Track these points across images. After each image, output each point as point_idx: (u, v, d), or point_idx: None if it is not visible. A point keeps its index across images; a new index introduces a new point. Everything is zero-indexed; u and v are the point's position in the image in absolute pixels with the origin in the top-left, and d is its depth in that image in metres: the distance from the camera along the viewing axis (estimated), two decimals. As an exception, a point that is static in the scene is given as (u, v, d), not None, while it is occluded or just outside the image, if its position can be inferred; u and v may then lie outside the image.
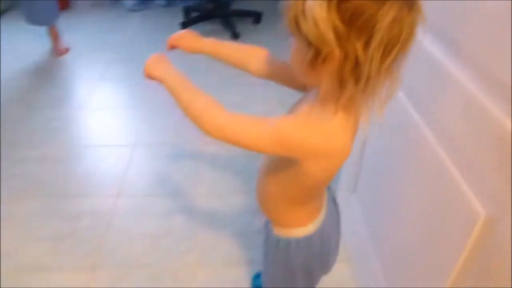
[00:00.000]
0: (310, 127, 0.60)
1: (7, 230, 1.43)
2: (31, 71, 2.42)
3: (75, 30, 2.86)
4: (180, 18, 2.96)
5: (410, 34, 0.51)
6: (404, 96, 0.90)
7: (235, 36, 2.76)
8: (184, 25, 2.81)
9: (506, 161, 0.57)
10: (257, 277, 1.27)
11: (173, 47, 0.88)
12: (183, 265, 1.32)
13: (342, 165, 0.66)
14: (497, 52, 0.59)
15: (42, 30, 2.53)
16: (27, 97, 2.17)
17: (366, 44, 0.50)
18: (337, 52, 0.51)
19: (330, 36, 0.49)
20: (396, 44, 0.51)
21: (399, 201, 0.96)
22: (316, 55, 0.53)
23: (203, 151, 1.80)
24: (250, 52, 0.85)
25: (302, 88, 0.73)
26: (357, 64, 0.51)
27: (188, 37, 0.88)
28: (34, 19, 2.40)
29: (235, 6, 3.25)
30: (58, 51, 2.55)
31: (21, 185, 1.61)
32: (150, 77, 0.76)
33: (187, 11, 3.02)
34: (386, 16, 0.48)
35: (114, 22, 3.05)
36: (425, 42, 0.78)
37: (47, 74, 2.40)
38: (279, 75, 0.82)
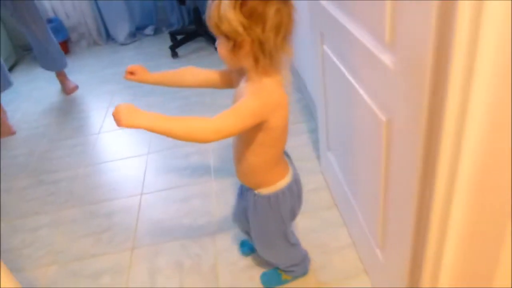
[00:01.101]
0: (260, 94, 0.90)
1: (58, 233, 1.74)
2: (48, 110, 2.77)
3: (79, 70, 3.23)
4: (168, 43, 3.31)
5: (289, 20, 0.84)
6: (337, 59, 1.21)
7: (219, 48, 3.10)
8: (173, 48, 3.15)
9: (389, 84, 0.87)
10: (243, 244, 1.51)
11: (129, 77, 1.09)
12: (203, 235, 1.62)
13: (288, 108, 0.96)
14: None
15: (51, 74, 2.90)
16: (49, 132, 2.51)
17: (263, 29, 0.82)
18: (247, 39, 0.83)
19: (240, 29, 0.82)
20: (281, 26, 0.83)
21: (354, 148, 1.25)
22: (234, 44, 0.85)
23: (208, 149, 2.11)
24: (183, 72, 1.12)
25: (228, 84, 1.06)
26: (261, 44, 0.84)
27: (139, 71, 1.09)
28: (50, 65, 2.78)
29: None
30: (68, 90, 2.90)
31: (61, 199, 1.93)
32: (128, 126, 0.79)
33: (173, 35, 3.37)
34: (271, 9, 0.81)
35: (111, 57, 3.42)
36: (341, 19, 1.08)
37: (63, 110, 2.75)
38: (209, 80, 1.11)
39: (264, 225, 1.16)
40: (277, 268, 1.36)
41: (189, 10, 3.34)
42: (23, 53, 3.68)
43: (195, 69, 1.12)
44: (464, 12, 0.58)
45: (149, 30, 3.65)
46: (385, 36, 0.83)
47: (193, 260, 1.51)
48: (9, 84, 2.64)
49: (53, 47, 2.72)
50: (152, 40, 3.58)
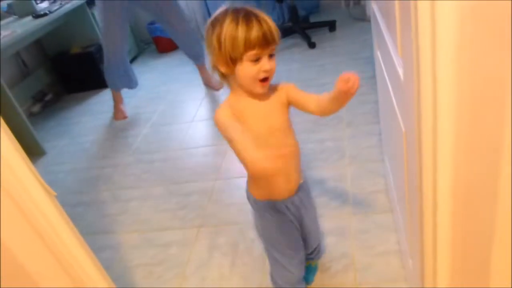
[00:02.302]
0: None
1: (145, 206, 2.04)
2: (156, 98, 3.17)
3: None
4: (266, 39, 3.48)
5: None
6: (384, 67, 1.22)
7: (311, 45, 3.17)
8: (269, 44, 3.32)
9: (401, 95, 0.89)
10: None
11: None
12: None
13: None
14: None
15: (167, 65, 3.28)
16: (152, 118, 2.88)
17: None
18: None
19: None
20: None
21: (393, 156, 1.25)
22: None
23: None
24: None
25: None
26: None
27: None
28: (194, 58, 3.01)
29: (313, 19, 3.67)
30: (206, 81, 3.09)
31: (152, 177, 2.25)
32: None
33: (271, 31, 3.53)
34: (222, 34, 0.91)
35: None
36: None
37: (168, 100, 3.12)
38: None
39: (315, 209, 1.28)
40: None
41: (288, 7, 3.45)
42: (144, 46, 4.21)
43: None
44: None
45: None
46: (397, 49, 0.86)
47: (247, 244, 1.67)
48: (135, 84, 3.05)
49: (195, 43, 2.92)
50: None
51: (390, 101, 1.12)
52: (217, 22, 0.92)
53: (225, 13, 0.92)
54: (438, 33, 0.58)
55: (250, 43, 0.89)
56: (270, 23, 0.91)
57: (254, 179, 1.13)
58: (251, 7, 0.93)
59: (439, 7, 0.56)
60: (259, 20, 0.90)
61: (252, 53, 0.90)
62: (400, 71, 0.86)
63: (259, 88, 0.96)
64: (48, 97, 3.51)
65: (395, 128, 1.10)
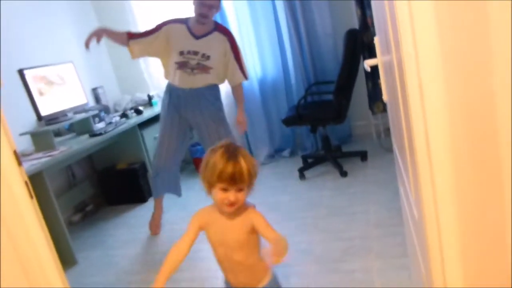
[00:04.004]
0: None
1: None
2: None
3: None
4: (300, 165, 3.63)
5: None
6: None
7: (343, 174, 3.28)
8: (301, 171, 3.46)
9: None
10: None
11: None
12: None
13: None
14: None
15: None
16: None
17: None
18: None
19: None
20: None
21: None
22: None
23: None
24: (176, 257, 1.40)
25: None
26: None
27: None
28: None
29: (345, 148, 3.84)
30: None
31: None
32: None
33: (305, 158, 3.71)
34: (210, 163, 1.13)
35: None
36: None
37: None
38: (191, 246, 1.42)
39: None
40: None
41: (322, 137, 3.66)
42: (185, 166, 4.47)
43: (179, 247, 1.38)
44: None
45: (286, 153, 4.08)
46: (411, 191, 0.92)
47: None
48: (179, 194, 3.18)
49: None
50: (287, 162, 3.97)
51: (412, 238, 1.14)
52: (216, 149, 1.18)
53: (224, 145, 1.18)
54: (437, 183, 0.64)
55: (221, 177, 1.14)
56: (244, 166, 1.14)
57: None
58: (244, 149, 1.21)
59: (436, 164, 0.63)
60: (239, 161, 1.13)
61: (221, 185, 1.16)
62: (415, 210, 0.91)
63: (226, 209, 1.21)
64: (89, 207, 3.70)
65: (417, 266, 1.10)
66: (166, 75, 2.88)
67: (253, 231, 1.25)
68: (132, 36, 2.74)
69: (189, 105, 2.80)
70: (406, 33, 0.61)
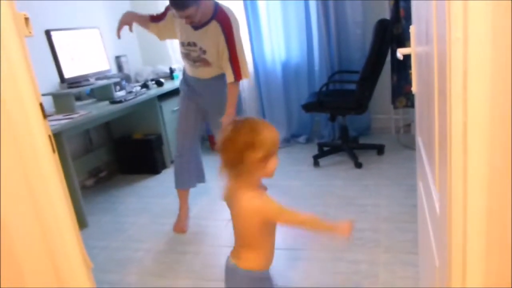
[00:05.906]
0: None
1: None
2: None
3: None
4: (315, 152, 3.61)
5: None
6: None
7: (358, 165, 3.25)
8: (316, 158, 3.44)
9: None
10: None
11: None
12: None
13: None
14: None
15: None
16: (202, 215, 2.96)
17: None
18: None
19: None
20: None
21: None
22: None
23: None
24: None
25: None
26: None
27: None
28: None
29: (362, 140, 3.80)
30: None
31: (181, 269, 2.25)
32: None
33: (320, 146, 3.68)
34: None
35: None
36: None
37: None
38: None
39: None
40: None
41: (340, 126, 3.62)
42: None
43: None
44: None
45: (302, 139, 4.05)
46: (435, 184, 0.89)
47: None
48: (203, 179, 2.93)
49: None
50: (302, 148, 3.95)
51: (427, 234, 1.12)
52: (252, 124, 1.26)
53: (249, 119, 1.30)
54: (470, 177, 0.62)
55: (278, 144, 1.30)
56: None
57: (269, 250, 1.42)
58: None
59: (471, 156, 0.61)
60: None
61: (276, 152, 1.27)
62: (437, 205, 0.89)
63: (273, 175, 1.30)
64: (103, 173, 3.75)
65: (429, 263, 1.09)
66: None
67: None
68: (153, 19, 2.61)
69: (198, 92, 2.66)
70: (457, 18, 0.58)
